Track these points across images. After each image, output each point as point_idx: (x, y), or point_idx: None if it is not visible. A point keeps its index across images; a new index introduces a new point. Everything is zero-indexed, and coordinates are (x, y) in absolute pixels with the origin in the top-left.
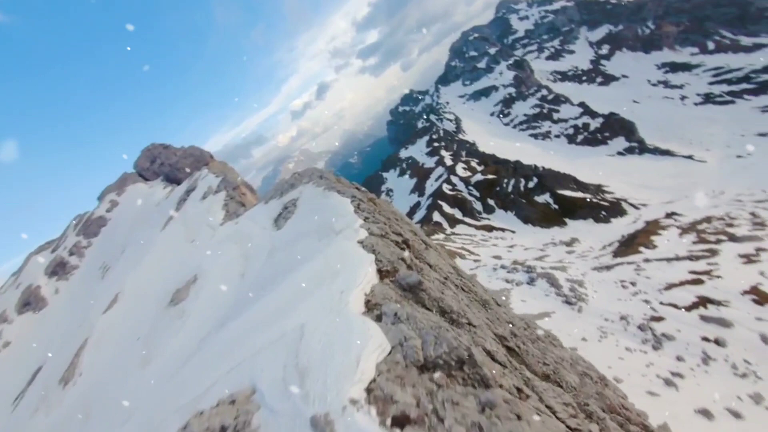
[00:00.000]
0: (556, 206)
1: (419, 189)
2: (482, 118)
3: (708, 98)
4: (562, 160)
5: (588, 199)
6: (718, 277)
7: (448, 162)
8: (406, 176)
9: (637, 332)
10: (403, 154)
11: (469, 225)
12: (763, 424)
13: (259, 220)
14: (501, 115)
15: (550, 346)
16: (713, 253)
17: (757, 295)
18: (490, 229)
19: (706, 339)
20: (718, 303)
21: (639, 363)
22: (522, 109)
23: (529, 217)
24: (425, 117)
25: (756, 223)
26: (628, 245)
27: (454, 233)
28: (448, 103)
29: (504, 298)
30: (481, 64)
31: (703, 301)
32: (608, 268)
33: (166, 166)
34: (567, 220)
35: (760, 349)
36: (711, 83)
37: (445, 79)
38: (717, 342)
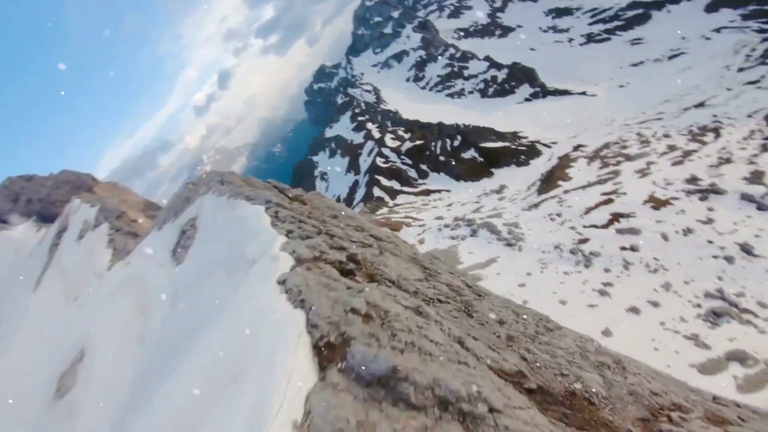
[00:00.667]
0: (482, 159)
1: (354, 167)
2: (399, 85)
3: (590, 38)
4: (479, 115)
5: (508, 147)
6: (624, 193)
7: (376, 135)
8: (338, 156)
9: (570, 257)
10: (329, 133)
11: (409, 193)
12: (675, 305)
13: (155, 254)
14: (416, 80)
15: (549, 336)
16: (616, 173)
17: (654, 202)
18: (427, 193)
19: (623, 248)
20: (627, 215)
21: (577, 282)
22: (434, 70)
23: (460, 174)
24: (343, 91)
25: (642, 141)
26: (548, 182)
27: (396, 204)
28: (363, 74)
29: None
30: (388, 29)
31: (616, 217)
32: (536, 205)
33: (36, 203)
34: (493, 170)
35: (663, 246)
36: (590, 24)
37: (354, 50)
38: (632, 248)
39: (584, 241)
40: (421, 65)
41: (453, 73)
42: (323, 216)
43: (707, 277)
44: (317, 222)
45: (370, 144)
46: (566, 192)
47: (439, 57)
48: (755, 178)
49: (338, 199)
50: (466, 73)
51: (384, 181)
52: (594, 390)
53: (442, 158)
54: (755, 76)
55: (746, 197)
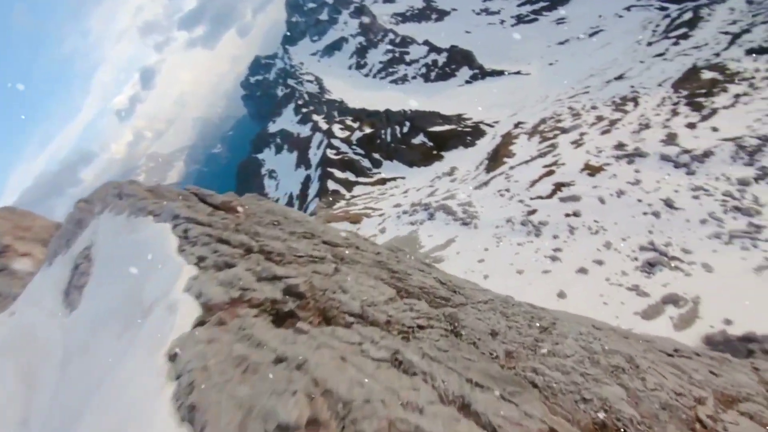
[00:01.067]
0: (431, 143)
1: (304, 161)
2: (342, 73)
3: (519, 19)
4: (424, 100)
5: (454, 130)
6: (563, 164)
7: (323, 126)
8: (285, 152)
9: (521, 228)
10: (272, 128)
11: (365, 184)
12: (616, 261)
13: (44, 300)
14: (358, 67)
15: (549, 340)
16: (554, 146)
17: (589, 169)
18: (383, 182)
19: (567, 215)
20: (567, 184)
21: (530, 252)
22: (376, 57)
23: (412, 160)
24: (283, 83)
25: (574, 114)
26: (494, 160)
27: (354, 196)
28: (302, 63)
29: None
30: (323, 16)
31: (558, 187)
32: (485, 183)
33: None
34: (443, 153)
35: (601, 209)
36: (519, 5)
37: (291, 39)
38: (574, 214)
39: (532, 212)
40: (362, 52)
41: (395, 58)
42: (260, 225)
43: (640, 233)
44: (248, 236)
45: (318, 136)
46: (512, 168)
47: (380, 43)
48: (670, 139)
49: (290, 197)
50: (407, 58)
51: (338, 174)
52: (624, 413)
53: (393, 145)
54: (661, 49)
55: (665, 157)
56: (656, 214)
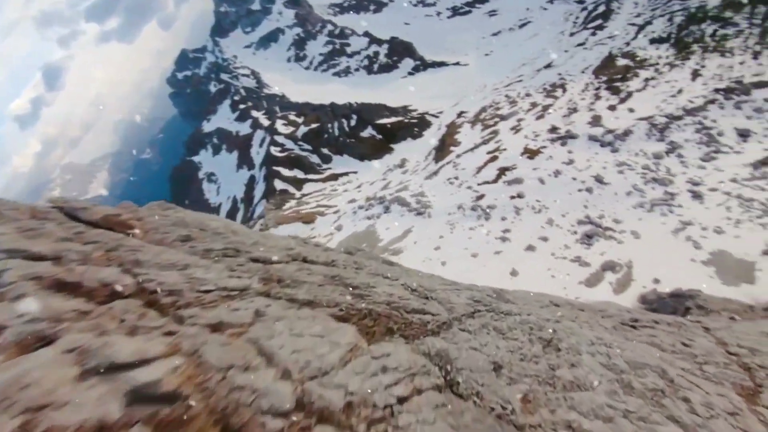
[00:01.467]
0: (380, 136)
1: (246, 162)
2: (281, 67)
3: (455, 11)
4: (368, 92)
5: (401, 122)
6: (504, 149)
7: (265, 122)
8: (224, 152)
9: (472, 213)
10: (208, 127)
11: (316, 181)
12: (559, 236)
13: None
14: (298, 59)
15: (563, 362)
16: (495, 133)
17: (528, 152)
18: (335, 177)
19: (512, 197)
20: (510, 168)
21: (482, 235)
22: (316, 48)
23: (363, 153)
24: (216, 78)
25: (511, 102)
26: (441, 150)
27: (305, 195)
28: (236, 57)
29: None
30: (255, 6)
31: (502, 171)
32: (435, 173)
33: None
34: (392, 145)
35: (541, 189)
36: None
37: (220, 30)
38: (519, 196)
39: (481, 197)
40: (300, 44)
41: (335, 50)
42: (163, 244)
43: (577, 208)
44: (120, 270)
45: (260, 133)
46: (458, 156)
47: (318, 34)
48: (595, 121)
49: (234, 201)
50: (348, 50)
51: (285, 172)
52: None
53: (342, 139)
54: (582, 39)
55: (592, 138)
56: (589, 190)
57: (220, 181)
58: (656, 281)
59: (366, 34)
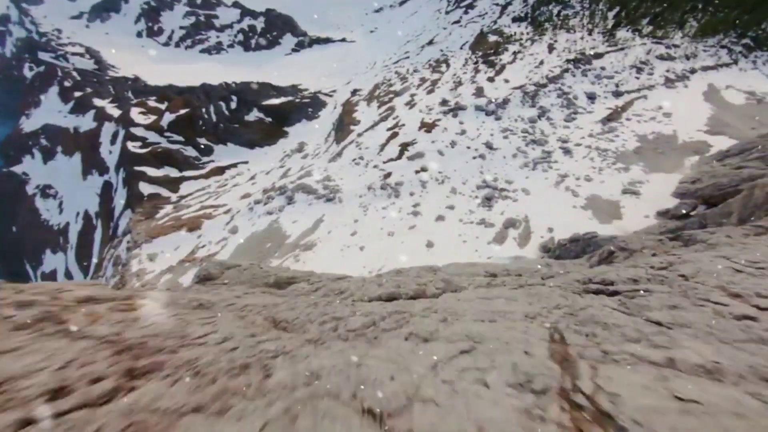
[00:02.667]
0: (270, 119)
1: (95, 165)
2: (129, 43)
3: None
4: (248, 71)
5: (292, 102)
6: (403, 125)
7: (114, 113)
8: (59, 156)
9: (382, 192)
10: (30, 125)
11: (195, 178)
12: (463, 203)
13: None
14: (152, 34)
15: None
16: (391, 109)
17: (425, 126)
18: (220, 171)
19: (417, 171)
20: (411, 144)
21: (394, 213)
22: (174, 21)
23: (252, 140)
24: (32, 59)
25: (401, 78)
26: (341, 130)
27: (182, 197)
28: (59, 30)
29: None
30: None
31: (404, 147)
32: (339, 155)
33: None
34: (286, 128)
35: (441, 160)
36: None
37: None
38: (422, 170)
39: (388, 175)
40: (151, 14)
41: (200, 23)
42: None
43: (474, 174)
44: None
45: (109, 127)
46: (359, 135)
47: (175, 3)
48: (479, 93)
49: (87, 217)
50: (216, 23)
51: (152, 172)
52: None
53: (223, 126)
54: (456, 17)
55: (478, 108)
56: (482, 156)
57: (60, 194)
58: (550, 230)
59: (236, 4)
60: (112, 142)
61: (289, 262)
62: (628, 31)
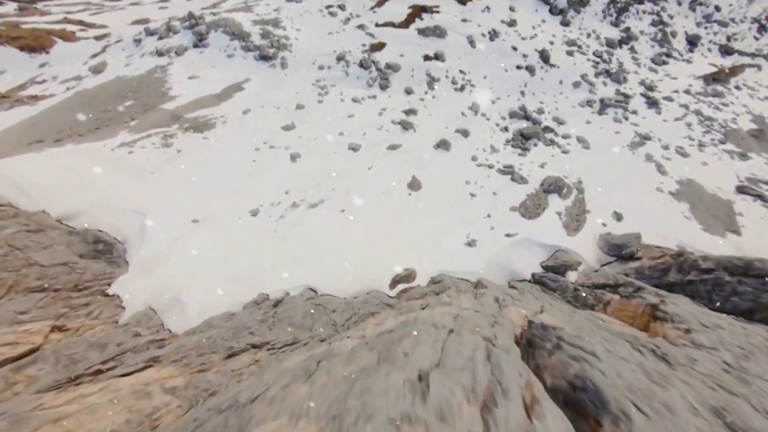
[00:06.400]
0: None
1: None
2: None
3: None
4: None
5: None
6: None
7: None
8: None
9: (360, 73)
10: None
11: None
12: (484, 132)
13: None
14: None
15: None
16: None
17: None
18: None
19: (427, 57)
20: (430, 9)
21: (371, 113)
22: None
23: None
24: None
25: None
26: None
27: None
28: None
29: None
30: None
31: (417, 11)
32: None
33: None
34: None
35: (470, 54)
36: None
37: None
38: (437, 58)
39: (378, 47)
40: None
41: None
42: None
43: (512, 92)
44: None
45: None
46: None
47: None
48: None
49: None
50: None
51: None
52: None
53: None
54: None
55: None
56: (530, 70)
57: None
58: (617, 216)
59: None
60: None
61: (147, 143)
62: None
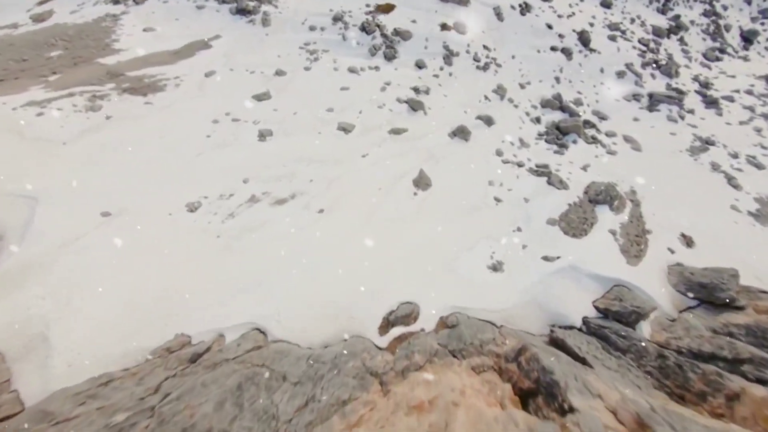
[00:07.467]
0: None
1: None
2: None
3: None
4: None
5: None
6: None
7: None
8: None
9: (360, 38)
10: None
11: None
12: (512, 121)
13: None
14: None
15: None
16: None
17: None
18: None
19: (445, 26)
20: None
21: (371, 87)
22: None
23: None
24: None
25: None
26: None
27: None
28: None
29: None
30: None
31: None
32: None
33: None
34: None
35: (496, 29)
36: None
37: None
38: (456, 29)
39: (386, 8)
40: None
41: None
42: None
43: (545, 77)
44: None
45: None
46: None
47: None
48: None
49: None
50: None
51: None
52: None
53: None
54: None
55: None
56: (567, 53)
57: None
58: (688, 241)
59: None
60: None
61: (66, 104)
62: None
